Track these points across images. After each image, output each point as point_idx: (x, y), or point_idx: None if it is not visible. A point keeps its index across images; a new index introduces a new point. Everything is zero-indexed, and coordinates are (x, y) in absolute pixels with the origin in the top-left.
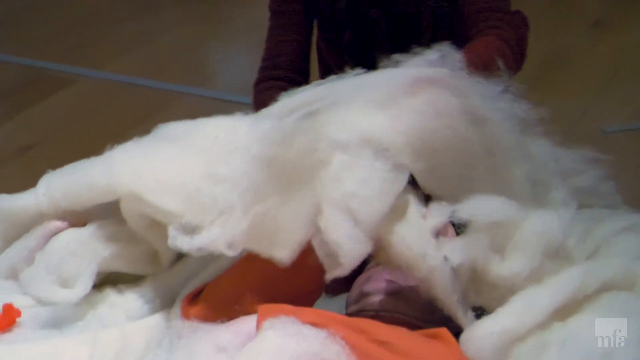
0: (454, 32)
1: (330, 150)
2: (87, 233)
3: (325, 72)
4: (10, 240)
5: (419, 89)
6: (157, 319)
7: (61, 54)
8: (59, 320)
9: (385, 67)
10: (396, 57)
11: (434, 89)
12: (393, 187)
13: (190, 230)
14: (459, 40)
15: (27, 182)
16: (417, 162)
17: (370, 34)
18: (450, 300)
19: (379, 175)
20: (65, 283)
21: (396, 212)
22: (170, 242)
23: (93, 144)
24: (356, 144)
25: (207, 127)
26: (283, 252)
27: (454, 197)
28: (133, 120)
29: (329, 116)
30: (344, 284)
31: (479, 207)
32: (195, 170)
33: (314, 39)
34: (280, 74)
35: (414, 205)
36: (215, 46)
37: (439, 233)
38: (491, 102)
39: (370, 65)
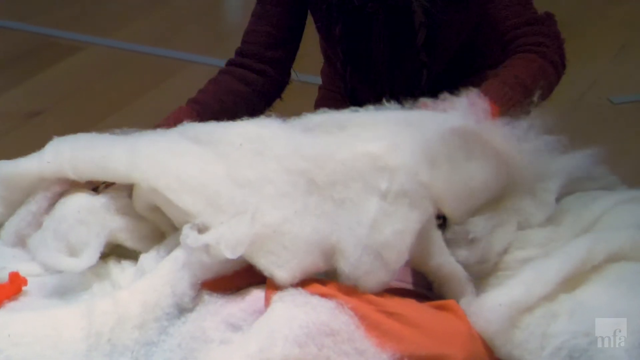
0: (456, 33)
1: (365, 194)
2: (98, 203)
3: (328, 61)
4: (12, 206)
5: (452, 136)
6: (149, 281)
7: (70, 21)
8: (65, 290)
9: (411, 108)
10: (421, 101)
11: (466, 136)
12: (421, 236)
13: (203, 230)
14: (465, 43)
15: (36, 147)
16: (456, 209)
17: (364, 29)
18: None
19: (413, 227)
20: (72, 251)
21: None
22: (182, 239)
23: (101, 111)
24: (395, 193)
25: (233, 133)
26: (284, 274)
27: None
28: (141, 88)
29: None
30: None
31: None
32: (217, 173)
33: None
34: (245, 62)
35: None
36: (225, 13)
37: None
38: (516, 143)
39: (364, 60)
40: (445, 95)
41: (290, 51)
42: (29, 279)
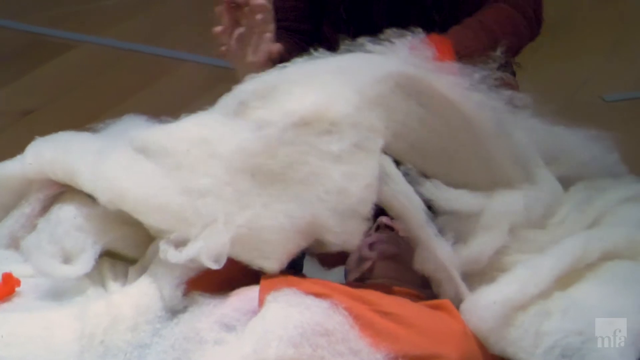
0: None
1: (322, 163)
2: (95, 211)
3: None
4: (3, 208)
5: (389, 81)
6: (140, 285)
7: (62, 20)
8: (59, 293)
9: (350, 50)
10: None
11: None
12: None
13: (180, 243)
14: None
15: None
16: (397, 142)
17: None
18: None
19: (374, 174)
20: (67, 256)
21: None
22: (161, 255)
23: (94, 109)
24: (348, 151)
25: (176, 139)
26: (272, 264)
27: (438, 174)
28: (134, 86)
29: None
30: (340, 256)
31: (441, 193)
32: (175, 187)
33: None
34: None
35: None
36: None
37: None
38: (463, 90)
39: (369, 28)
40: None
41: (316, 23)
42: (22, 280)
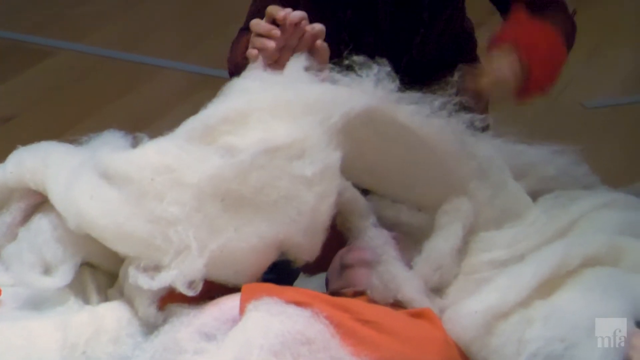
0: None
1: (294, 186)
2: None
3: None
4: None
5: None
6: (122, 299)
7: (41, 26)
8: (40, 302)
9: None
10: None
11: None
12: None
13: (151, 269)
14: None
15: (8, 153)
16: (356, 169)
17: (370, 12)
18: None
19: (337, 190)
20: (47, 267)
21: None
22: (130, 280)
23: (73, 116)
24: (320, 173)
25: (137, 167)
26: (247, 280)
27: (398, 196)
28: (114, 93)
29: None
30: (322, 263)
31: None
32: (141, 214)
33: None
34: None
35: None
36: (197, 18)
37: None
38: (424, 118)
39: (368, 44)
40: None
41: None
42: (2, 290)
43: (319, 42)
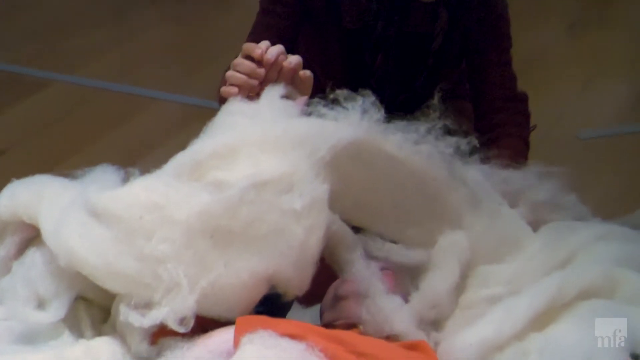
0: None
1: (283, 220)
2: None
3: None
4: None
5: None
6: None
7: (34, 58)
8: (34, 337)
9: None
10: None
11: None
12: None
13: (142, 306)
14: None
15: (1, 186)
16: (344, 203)
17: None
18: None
19: (326, 223)
20: (41, 301)
21: None
22: (121, 318)
23: (67, 148)
24: (309, 207)
25: (124, 205)
26: (238, 314)
27: (390, 233)
28: (107, 124)
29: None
30: (317, 294)
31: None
32: (131, 252)
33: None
34: None
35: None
36: (192, 49)
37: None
38: (413, 143)
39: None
40: None
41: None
42: None
43: (302, 73)
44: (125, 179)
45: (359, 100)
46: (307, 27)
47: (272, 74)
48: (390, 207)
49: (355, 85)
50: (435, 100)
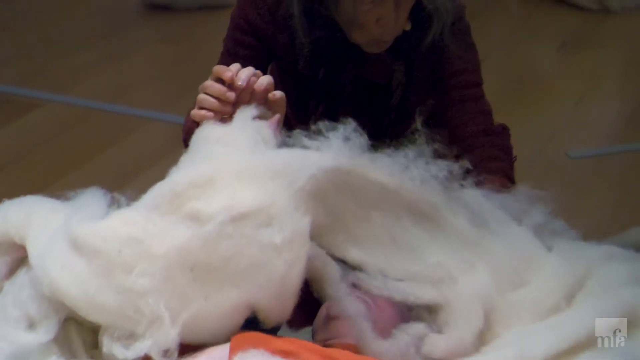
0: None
1: (263, 254)
2: None
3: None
4: None
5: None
6: None
7: (27, 78)
8: (23, 358)
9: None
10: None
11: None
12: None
13: (125, 337)
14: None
15: None
16: (334, 236)
17: (335, 99)
18: None
19: (306, 255)
20: (31, 321)
21: None
22: (104, 349)
23: (60, 169)
24: (290, 241)
25: (102, 238)
26: (223, 339)
27: (393, 269)
28: (100, 144)
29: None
30: (307, 317)
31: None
32: (111, 286)
33: None
34: None
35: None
36: (183, 69)
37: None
38: (401, 171)
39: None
40: None
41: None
42: None
43: (271, 95)
44: (112, 205)
45: (340, 128)
46: (273, 69)
47: (244, 96)
48: (389, 241)
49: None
50: (419, 125)
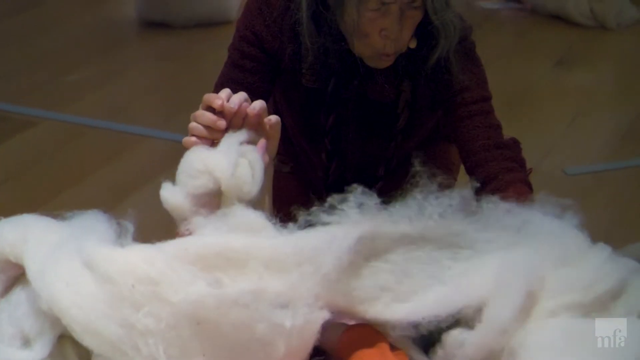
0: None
1: (270, 334)
2: None
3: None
4: None
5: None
6: None
7: (23, 96)
8: None
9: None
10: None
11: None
12: None
13: None
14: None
15: None
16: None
17: (340, 115)
18: None
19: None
20: (26, 339)
21: None
22: None
23: (56, 186)
24: (300, 328)
25: (119, 269)
26: None
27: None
28: (96, 162)
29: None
30: None
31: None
32: (115, 317)
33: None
34: None
35: None
36: (180, 86)
37: None
38: (419, 214)
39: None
40: None
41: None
42: None
43: (270, 119)
44: (119, 233)
45: (350, 197)
46: (278, 83)
47: (236, 122)
48: (437, 283)
49: (313, 146)
50: (417, 166)
